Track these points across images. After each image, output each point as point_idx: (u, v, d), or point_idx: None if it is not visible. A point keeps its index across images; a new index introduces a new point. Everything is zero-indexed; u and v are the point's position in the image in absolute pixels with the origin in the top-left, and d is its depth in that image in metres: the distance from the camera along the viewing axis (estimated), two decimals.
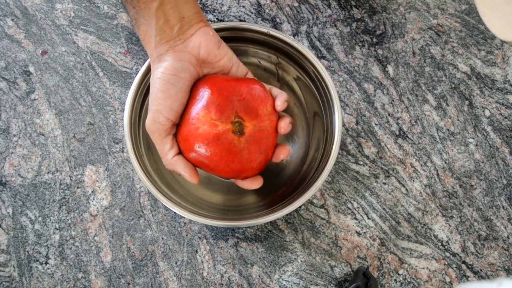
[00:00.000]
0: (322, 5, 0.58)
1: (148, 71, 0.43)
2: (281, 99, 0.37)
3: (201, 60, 0.36)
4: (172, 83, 0.34)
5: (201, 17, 0.36)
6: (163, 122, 0.34)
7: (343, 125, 0.53)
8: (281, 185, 0.48)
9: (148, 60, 0.43)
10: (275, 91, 0.38)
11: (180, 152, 0.36)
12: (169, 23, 0.34)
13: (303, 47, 0.44)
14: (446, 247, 0.49)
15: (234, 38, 0.45)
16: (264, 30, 0.45)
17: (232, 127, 0.34)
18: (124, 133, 0.41)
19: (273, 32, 0.44)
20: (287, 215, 0.50)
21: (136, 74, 0.54)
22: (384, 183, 0.51)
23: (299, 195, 0.40)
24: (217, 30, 0.42)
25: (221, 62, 0.37)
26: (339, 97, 0.54)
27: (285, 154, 0.38)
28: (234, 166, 0.35)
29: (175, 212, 0.49)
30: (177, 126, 0.36)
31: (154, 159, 0.45)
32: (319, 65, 0.44)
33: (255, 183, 0.38)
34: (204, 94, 0.34)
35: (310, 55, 0.44)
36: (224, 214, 0.45)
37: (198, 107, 0.34)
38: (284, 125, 0.37)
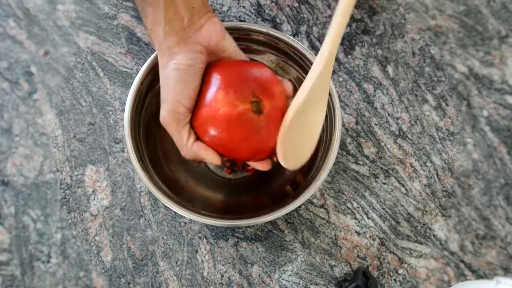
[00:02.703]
0: (322, 5, 0.58)
1: (149, 70, 0.43)
2: (287, 83, 0.39)
3: (210, 50, 0.36)
4: (189, 73, 0.34)
5: (209, 7, 0.37)
6: (182, 111, 0.35)
7: (343, 125, 0.53)
8: (281, 184, 0.48)
9: (149, 59, 0.43)
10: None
11: (197, 138, 0.37)
12: (178, 14, 0.34)
13: (303, 47, 0.44)
14: (444, 246, 0.50)
15: (235, 38, 0.46)
16: (264, 30, 0.45)
17: (251, 106, 0.34)
18: (125, 132, 0.41)
19: (273, 32, 0.45)
20: (287, 214, 0.50)
21: (137, 73, 0.54)
22: (384, 183, 0.51)
23: (299, 195, 0.40)
24: None
25: (227, 52, 0.38)
26: (339, 97, 0.54)
27: (289, 88, 0.40)
28: (253, 146, 0.36)
29: (175, 212, 0.49)
30: (192, 114, 0.36)
31: (155, 158, 0.45)
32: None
33: (266, 165, 0.39)
34: (219, 77, 0.35)
35: (311, 55, 0.44)
36: (224, 214, 0.45)
37: (215, 90, 0.35)
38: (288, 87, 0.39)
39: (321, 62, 0.33)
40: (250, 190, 0.49)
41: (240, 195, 0.49)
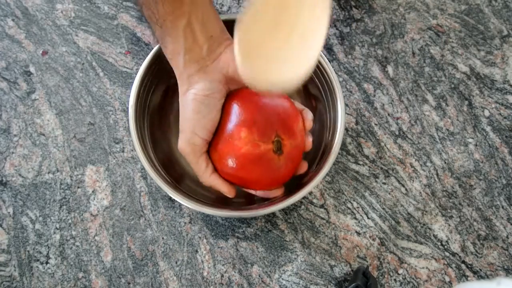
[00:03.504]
0: None
1: (150, 65, 0.43)
2: (309, 117, 0.38)
3: (229, 78, 0.36)
4: (205, 103, 0.34)
5: (227, 34, 0.36)
6: (198, 143, 0.35)
7: None
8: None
9: (151, 52, 0.43)
10: (298, 105, 0.39)
11: (215, 169, 0.37)
12: (197, 42, 0.34)
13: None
14: (445, 246, 0.49)
15: None
16: None
17: (273, 147, 0.35)
18: (130, 128, 0.42)
19: None
20: (287, 214, 0.50)
21: (137, 73, 0.54)
22: (384, 183, 0.51)
23: (298, 190, 0.40)
24: (224, 22, 0.42)
25: None
26: None
27: (304, 169, 0.40)
28: (269, 182, 0.37)
29: (175, 212, 0.49)
30: (211, 143, 0.36)
31: (159, 152, 0.45)
32: (326, 63, 0.44)
33: (277, 192, 0.40)
34: (241, 111, 0.34)
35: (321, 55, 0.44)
36: (226, 207, 0.45)
37: (237, 125, 0.34)
38: (308, 143, 0.38)
39: None
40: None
41: (242, 192, 0.49)
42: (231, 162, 0.35)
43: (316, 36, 0.26)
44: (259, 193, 0.40)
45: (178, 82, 0.36)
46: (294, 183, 0.46)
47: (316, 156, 0.45)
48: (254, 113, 0.34)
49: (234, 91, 0.37)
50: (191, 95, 0.34)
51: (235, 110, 0.35)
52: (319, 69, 0.45)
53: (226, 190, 0.38)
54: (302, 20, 0.25)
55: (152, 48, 0.55)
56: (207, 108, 0.34)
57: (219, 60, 0.35)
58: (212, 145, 0.36)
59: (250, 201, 0.47)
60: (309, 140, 0.38)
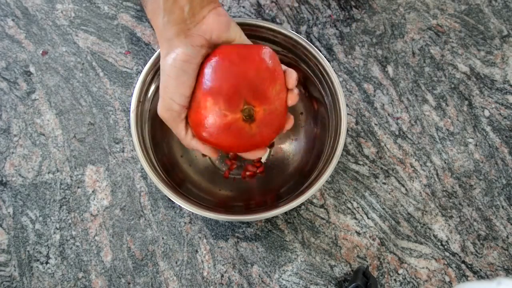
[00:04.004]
0: (322, 6, 0.58)
1: (153, 68, 0.43)
2: (293, 77, 0.36)
3: (213, 43, 0.35)
4: (184, 69, 0.33)
5: None
6: (176, 109, 0.34)
7: None
8: (282, 183, 0.48)
9: (153, 56, 0.43)
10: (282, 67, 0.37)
11: None
12: (178, 3, 0.32)
13: (314, 48, 0.44)
14: (445, 246, 0.49)
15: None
16: (275, 27, 0.44)
17: (242, 116, 0.33)
18: (131, 128, 0.41)
19: (285, 31, 0.44)
20: (287, 214, 0.50)
21: (137, 73, 0.54)
22: (384, 183, 0.51)
23: (300, 194, 0.40)
24: None
25: (232, 43, 0.36)
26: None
27: (291, 123, 0.38)
28: (247, 148, 0.36)
29: (175, 212, 0.49)
30: (188, 108, 0.35)
31: (160, 153, 0.45)
32: (329, 67, 0.44)
33: (259, 153, 0.38)
34: (210, 78, 0.33)
35: (320, 55, 0.44)
36: (226, 210, 0.45)
37: (204, 93, 0.33)
38: (292, 97, 0.36)
39: None
40: (253, 189, 0.49)
41: (243, 192, 0.49)
42: (202, 132, 0.34)
43: None
44: (243, 154, 0.39)
45: (159, 44, 0.34)
46: (296, 187, 0.46)
47: (318, 160, 0.45)
48: (222, 79, 0.33)
49: (213, 48, 0.35)
50: (170, 59, 0.33)
51: (205, 75, 0.33)
52: (320, 72, 0.45)
53: (208, 153, 0.37)
54: None
55: (153, 49, 0.55)
56: (186, 74, 0.33)
57: (202, 23, 0.33)
58: (188, 112, 0.35)
59: (248, 205, 0.47)
60: (294, 93, 0.36)
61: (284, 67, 0.37)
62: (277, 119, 0.35)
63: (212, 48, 0.35)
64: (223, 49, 0.34)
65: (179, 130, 0.36)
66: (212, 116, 0.33)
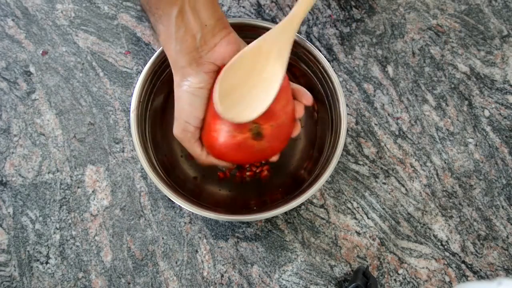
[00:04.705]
0: (322, 6, 0.58)
1: (153, 68, 0.43)
2: (305, 97, 0.38)
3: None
4: (197, 95, 0.35)
5: (224, 23, 0.35)
6: (191, 130, 0.36)
7: None
8: (282, 183, 0.48)
9: (153, 56, 0.43)
10: (293, 85, 0.39)
11: None
12: (190, 32, 0.33)
13: (314, 48, 0.44)
14: (445, 246, 0.49)
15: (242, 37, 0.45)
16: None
17: (250, 134, 0.35)
18: (131, 128, 0.42)
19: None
20: (287, 214, 0.50)
21: (137, 73, 0.54)
22: (384, 183, 0.51)
23: (300, 194, 0.40)
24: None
25: None
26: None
27: (298, 130, 0.40)
28: (259, 159, 0.39)
29: (175, 212, 0.49)
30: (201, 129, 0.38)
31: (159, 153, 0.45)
32: (329, 67, 0.44)
33: (274, 158, 0.41)
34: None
35: (320, 55, 0.44)
36: (227, 210, 0.45)
37: (213, 116, 0.35)
38: (300, 110, 0.38)
39: (286, 17, 0.33)
40: (252, 189, 0.49)
41: (244, 192, 0.49)
42: (215, 151, 0.37)
43: (272, 86, 0.34)
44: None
45: (172, 71, 0.35)
46: (296, 187, 0.46)
47: (318, 160, 0.45)
48: None
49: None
50: (185, 87, 0.34)
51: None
52: (320, 72, 0.45)
53: (225, 166, 0.40)
54: (265, 76, 0.34)
55: (153, 49, 0.55)
56: (198, 98, 0.35)
57: (213, 51, 0.34)
58: (201, 133, 0.37)
59: (248, 205, 0.47)
60: (302, 106, 0.38)
61: (296, 86, 0.39)
62: (284, 131, 0.37)
63: None
64: None
65: (195, 149, 0.38)
66: (223, 137, 0.35)
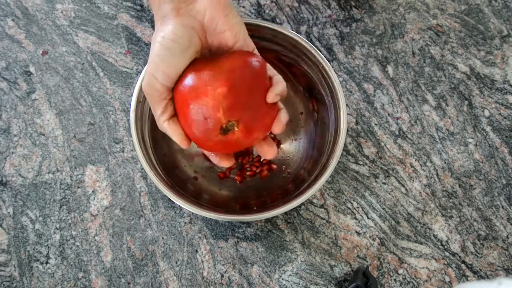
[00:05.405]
0: (322, 6, 0.58)
1: None
2: (275, 91, 0.34)
3: (206, 27, 0.33)
4: (169, 48, 0.32)
5: None
6: (157, 87, 0.33)
7: None
8: (282, 183, 0.48)
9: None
10: (271, 72, 0.36)
11: (173, 115, 0.35)
12: None
13: (314, 48, 0.44)
14: (445, 246, 0.49)
15: None
16: (275, 27, 0.44)
17: (220, 131, 0.33)
18: (131, 128, 0.41)
19: (285, 31, 0.44)
20: (287, 215, 0.50)
21: (137, 73, 0.54)
22: (384, 183, 0.51)
23: (300, 194, 0.40)
24: None
25: (225, 34, 0.33)
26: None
27: (283, 119, 0.36)
28: (236, 149, 0.36)
29: (175, 212, 0.49)
30: (177, 106, 0.35)
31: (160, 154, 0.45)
32: (329, 67, 0.44)
33: (269, 154, 0.37)
34: (187, 95, 0.33)
35: (320, 55, 0.44)
36: (227, 210, 0.45)
37: (187, 109, 0.33)
38: (271, 95, 0.34)
39: None
40: (252, 190, 0.49)
41: (244, 192, 0.49)
42: (190, 136, 0.35)
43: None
44: (257, 150, 0.38)
45: (155, 22, 0.33)
46: (296, 187, 0.46)
47: (318, 160, 0.45)
48: (199, 107, 0.32)
49: (213, 47, 0.34)
50: (158, 37, 0.32)
51: (183, 87, 0.33)
52: (320, 72, 0.45)
53: (178, 140, 0.35)
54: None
55: None
56: (170, 53, 0.32)
57: (196, 3, 0.32)
58: (177, 114, 0.35)
59: (248, 205, 0.47)
60: (274, 92, 0.34)
61: (272, 72, 0.36)
62: (263, 118, 0.35)
63: (206, 34, 0.33)
64: (196, 64, 0.34)
65: (156, 109, 0.35)
66: (194, 128, 0.33)
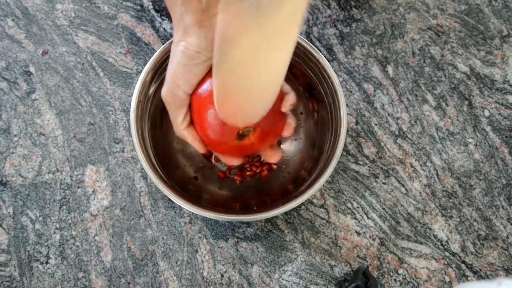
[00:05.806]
0: (322, 6, 0.58)
1: (153, 68, 0.43)
2: (289, 101, 0.37)
3: None
4: (194, 59, 0.33)
5: None
6: (179, 95, 0.35)
7: None
8: (282, 183, 0.48)
9: (153, 56, 0.43)
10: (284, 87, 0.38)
11: (191, 122, 0.37)
12: None
13: (314, 48, 0.44)
14: (445, 246, 0.49)
15: None
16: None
17: (236, 136, 0.35)
18: (131, 128, 0.41)
19: None
20: (287, 215, 0.50)
21: (137, 73, 0.54)
22: (384, 183, 0.51)
23: (300, 194, 0.40)
24: None
25: None
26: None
27: (292, 125, 0.39)
28: (249, 153, 0.38)
29: (175, 212, 0.49)
30: (193, 115, 0.36)
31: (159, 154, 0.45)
32: (329, 67, 0.44)
33: (274, 157, 0.39)
34: (209, 109, 0.35)
35: (320, 55, 0.44)
36: (227, 210, 0.45)
37: (204, 113, 0.35)
38: (286, 105, 0.37)
39: None
40: (253, 189, 0.49)
41: (244, 192, 0.49)
42: (204, 139, 0.37)
43: (273, 88, 0.31)
44: (262, 155, 0.41)
45: (174, 32, 0.34)
46: (296, 187, 0.46)
47: (318, 160, 0.45)
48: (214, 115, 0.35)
49: None
50: (181, 46, 0.33)
51: (201, 93, 0.35)
52: (320, 72, 0.45)
53: (196, 146, 0.38)
54: (264, 75, 0.30)
55: (153, 49, 0.55)
56: (195, 64, 0.33)
57: (217, 16, 0.32)
58: (193, 107, 0.36)
59: (248, 205, 0.47)
60: (289, 102, 0.37)
61: (286, 88, 0.38)
62: (272, 130, 0.37)
63: None
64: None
65: (177, 116, 0.36)
66: (211, 131, 0.35)
